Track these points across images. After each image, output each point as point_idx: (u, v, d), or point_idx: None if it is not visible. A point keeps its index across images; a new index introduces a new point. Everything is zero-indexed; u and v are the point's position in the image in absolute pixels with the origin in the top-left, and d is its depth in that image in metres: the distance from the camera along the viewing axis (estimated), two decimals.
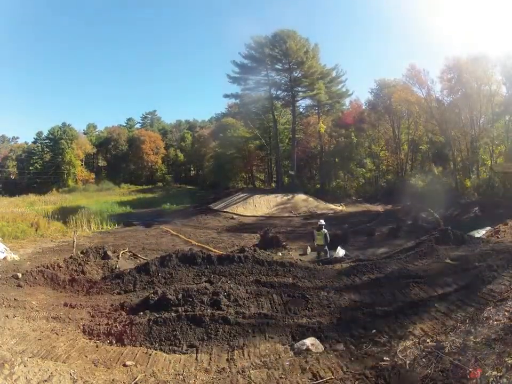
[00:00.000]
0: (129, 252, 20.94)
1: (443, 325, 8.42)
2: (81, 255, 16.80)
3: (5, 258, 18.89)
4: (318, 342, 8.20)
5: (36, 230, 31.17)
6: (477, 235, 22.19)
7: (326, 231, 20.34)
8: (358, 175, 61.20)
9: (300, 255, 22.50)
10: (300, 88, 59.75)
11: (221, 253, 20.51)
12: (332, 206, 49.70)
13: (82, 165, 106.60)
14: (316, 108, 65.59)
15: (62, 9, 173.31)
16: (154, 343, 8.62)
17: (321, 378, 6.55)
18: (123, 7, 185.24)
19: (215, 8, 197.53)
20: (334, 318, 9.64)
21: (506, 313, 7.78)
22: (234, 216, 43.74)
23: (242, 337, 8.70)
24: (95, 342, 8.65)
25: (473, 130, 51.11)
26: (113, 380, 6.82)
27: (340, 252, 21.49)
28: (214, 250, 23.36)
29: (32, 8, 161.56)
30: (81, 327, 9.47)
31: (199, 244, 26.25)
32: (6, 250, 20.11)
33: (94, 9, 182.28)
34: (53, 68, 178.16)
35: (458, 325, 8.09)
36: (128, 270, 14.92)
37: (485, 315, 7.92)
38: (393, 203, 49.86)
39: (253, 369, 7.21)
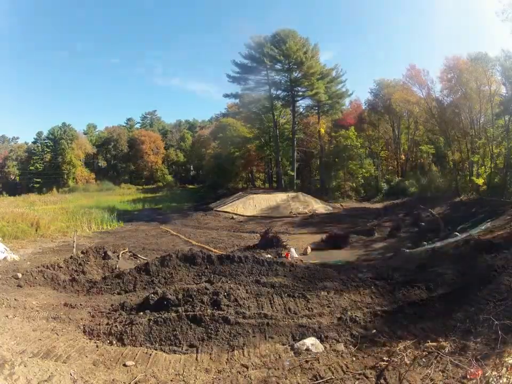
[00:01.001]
0: (129, 251, 20.99)
1: (443, 325, 8.42)
2: (82, 255, 16.82)
3: (5, 258, 18.87)
4: (318, 342, 8.21)
5: (36, 230, 31.09)
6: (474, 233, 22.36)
7: None
8: (358, 175, 61.17)
9: (300, 254, 22.52)
10: (299, 88, 59.78)
11: (221, 252, 20.54)
12: (331, 205, 49.78)
13: (82, 165, 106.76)
14: (316, 108, 65.54)
15: (61, 9, 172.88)
16: (154, 343, 8.61)
17: (321, 378, 6.55)
18: (123, 6, 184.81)
19: (216, 8, 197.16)
20: (334, 318, 9.65)
21: (506, 313, 7.77)
22: (234, 216, 43.74)
23: (243, 337, 8.69)
24: (95, 342, 8.64)
25: (473, 130, 51.20)
26: (113, 379, 6.82)
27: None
28: (214, 250, 23.37)
29: (32, 8, 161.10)
30: (81, 327, 9.46)
31: (199, 244, 26.25)
32: (6, 250, 20.09)
33: (93, 8, 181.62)
34: (52, 68, 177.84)
35: (458, 325, 8.08)
36: (128, 270, 14.93)
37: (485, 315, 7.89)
38: (392, 202, 50.26)
39: (253, 369, 7.21)
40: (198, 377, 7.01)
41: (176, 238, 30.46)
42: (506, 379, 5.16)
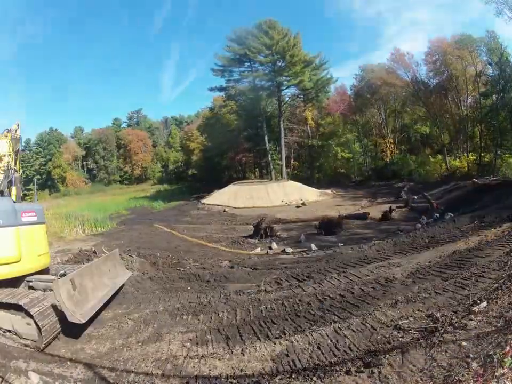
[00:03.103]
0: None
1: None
2: None
3: None
4: None
5: None
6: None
7: None
8: (348, 160, 61.17)
9: (295, 242, 22.65)
10: (284, 77, 59.35)
11: (215, 246, 20.62)
12: (323, 192, 49.91)
13: (72, 168, 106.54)
14: (302, 96, 65.31)
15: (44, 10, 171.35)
16: None
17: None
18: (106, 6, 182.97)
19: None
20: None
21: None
22: (226, 209, 43.76)
23: None
24: None
25: (460, 111, 51.70)
26: None
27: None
28: (208, 244, 23.41)
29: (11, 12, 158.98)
30: None
31: (194, 239, 26.19)
32: None
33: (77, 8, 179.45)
34: (35, 74, 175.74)
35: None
36: None
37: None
38: (383, 186, 50.74)
39: None
40: None
41: (170, 235, 30.36)
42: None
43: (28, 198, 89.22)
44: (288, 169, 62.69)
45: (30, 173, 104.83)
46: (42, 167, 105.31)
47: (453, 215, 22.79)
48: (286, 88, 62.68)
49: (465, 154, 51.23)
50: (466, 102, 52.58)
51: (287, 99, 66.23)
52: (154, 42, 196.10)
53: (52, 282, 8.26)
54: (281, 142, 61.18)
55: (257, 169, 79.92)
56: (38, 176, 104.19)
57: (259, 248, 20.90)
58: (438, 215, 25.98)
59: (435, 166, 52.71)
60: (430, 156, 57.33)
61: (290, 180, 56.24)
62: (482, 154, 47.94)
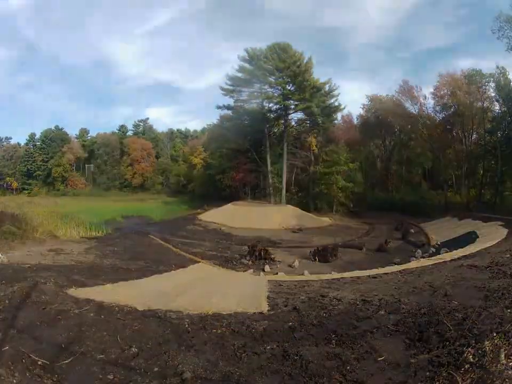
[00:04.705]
0: None
1: None
2: None
3: None
4: None
5: (25, 232, 30.59)
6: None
7: None
8: (348, 189, 60.98)
9: (288, 266, 22.69)
10: (292, 101, 59.34)
11: (207, 263, 20.60)
12: (320, 219, 49.89)
13: (73, 169, 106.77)
14: (308, 122, 65.24)
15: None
16: None
17: None
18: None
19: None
20: None
21: None
22: (223, 228, 43.74)
23: None
24: None
25: (465, 146, 51.90)
26: None
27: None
28: (201, 261, 23.33)
29: None
30: None
31: (188, 255, 26.07)
32: None
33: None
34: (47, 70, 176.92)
35: None
36: None
37: None
38: (381, 217, 50.64)
39: None
40: None
41: (165, 247, 30.22)
42: None
43: (26, 192, 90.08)
44: (288, 194, 62.45)
45: (31, 167, 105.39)
46: (44, 164, 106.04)
47: (448, 250, 22.74)
48: (293, 112, 62.82)
49: (465, 190, 51.49)
50: (471, 138, 52.84)
51: (293, 123, 66.43)
52: None
53: None
54: (283, 165, 61.20)
55: (256, 191, 79.76)
56: (39, 172, 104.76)
57: (252, 270, 20.91)
58: (433, 249, 25.98)
59: (435, 200, 52.92)
60: (430, 190, 57.61)
61: (289, 204, 56.42)
62: (483, 191, 48.14)
